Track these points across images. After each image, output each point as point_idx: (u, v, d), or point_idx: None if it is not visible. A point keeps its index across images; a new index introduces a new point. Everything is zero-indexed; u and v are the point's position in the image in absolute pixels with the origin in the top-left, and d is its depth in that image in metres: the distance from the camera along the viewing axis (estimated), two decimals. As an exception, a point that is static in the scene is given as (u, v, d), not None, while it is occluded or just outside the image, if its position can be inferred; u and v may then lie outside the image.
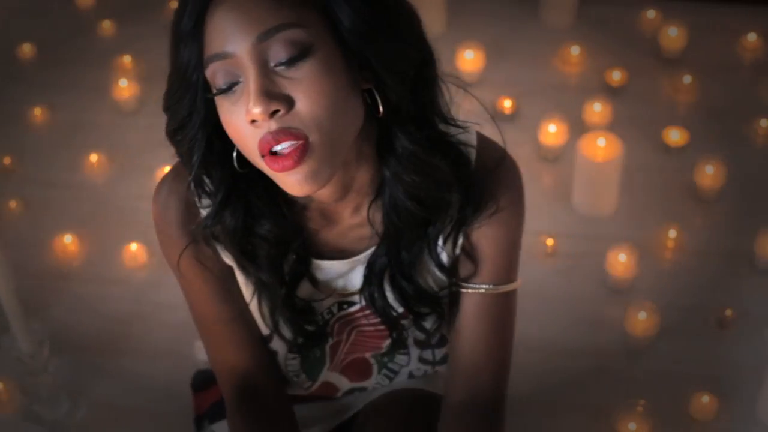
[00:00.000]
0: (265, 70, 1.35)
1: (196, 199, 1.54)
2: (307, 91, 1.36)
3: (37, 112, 3.15)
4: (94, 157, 2.97)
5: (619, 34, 3.34)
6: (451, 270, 1.65)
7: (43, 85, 3.29)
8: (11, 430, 2.46)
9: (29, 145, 3.11)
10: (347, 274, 1.66)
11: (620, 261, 2.62)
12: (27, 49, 3.34)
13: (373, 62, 1.41)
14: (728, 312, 2.58)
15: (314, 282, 1.65)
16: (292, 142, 1.37)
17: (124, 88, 3.10)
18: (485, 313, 1.69)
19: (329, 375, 1.82)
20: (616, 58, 3.23)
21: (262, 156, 1.38)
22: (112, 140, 3.06)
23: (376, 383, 1.87)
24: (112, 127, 3.10)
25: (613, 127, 2.98)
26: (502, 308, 1.71)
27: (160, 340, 2.53)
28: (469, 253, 1.65)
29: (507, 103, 3.06)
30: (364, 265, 1.64)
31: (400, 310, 1.67)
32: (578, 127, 2.96)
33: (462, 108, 1.60)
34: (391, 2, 1.42)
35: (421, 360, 1.84)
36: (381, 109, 1.45)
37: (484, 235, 1.63)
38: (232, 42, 1.34)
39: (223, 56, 1.35)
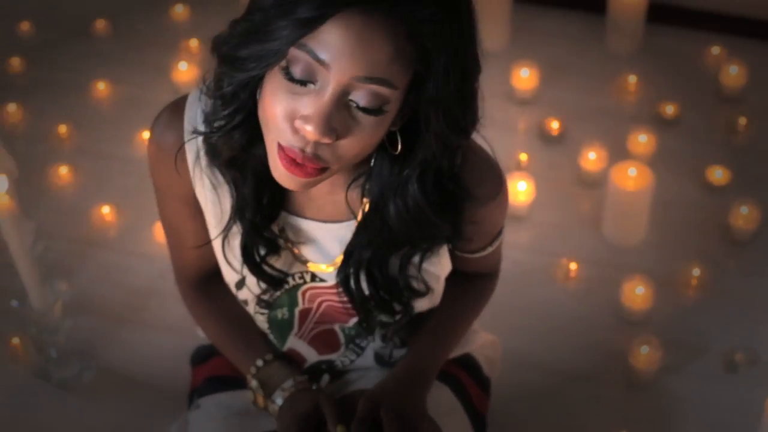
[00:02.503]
0: (341, 100, 1.40)
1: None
2: (357, 136, 1.43)
3: (100, 85, 3.24)
4: (145, 134, 3.06)
5: (681, 67, 3.31)
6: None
7: (109, 60, 3.39)
8: (22, 385, 2.56)
9: (87, 116, 3.21)
10: (319, 240, 1.72)
11: (636, 293, 2.62)
12: (101, 25, 3.44)
13: (431, 125, 1.47)
14: (738, 356, 2.56)
15: (282, 236, 1.71)
16: (313, 166, 1.45)
17: (184, 71, 3.19)
18: (482, 258, 1.83)
19: (297, 342, 1.89)
20: (672, 91, 3.22)
21: (280, 150, 1.44)
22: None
23: (343, 356, 1.91)
24: (167, 108, 3.18)
25: (656, 159, 2.97)
26: (497, 247, 1.85)
27: (174, 317, 2.61)
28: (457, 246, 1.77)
29: (554, 125, 3.07)
30: (339, 237, 1.71)
31: (369, 296, 1.73)
32: (621, 156, 2.96)
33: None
34: (476, 75, 1.48)
35: (384, 339, 1.90)
36: (399, 147, 1.53)
37: (467, 236, 1.72)
38: (337, 60, 1.36)
39: (319, 60, 1.37)
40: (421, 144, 1.50)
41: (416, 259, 1.70)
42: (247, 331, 1.88)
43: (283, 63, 1.39)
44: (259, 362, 1.82)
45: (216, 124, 1.55)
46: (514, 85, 3.17)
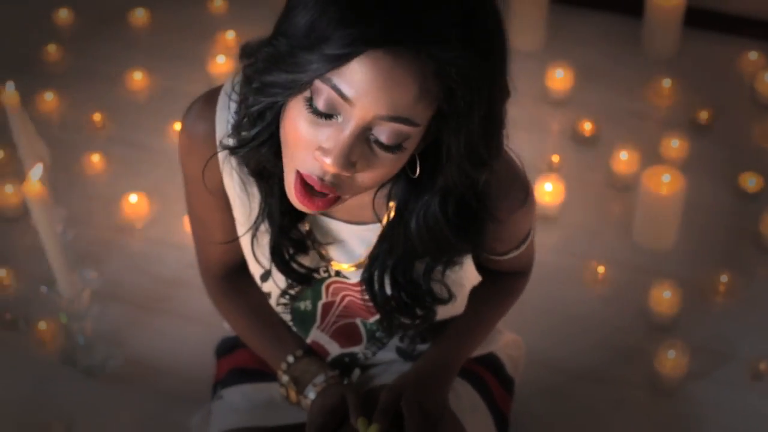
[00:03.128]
0: (362, 136, 1.40)
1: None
2: (376, 169, 1.44)
3: (136, 75, 3.26)
4: (178, 126, 3.07)
5: (716, 72, 3.29)
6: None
7: (146, 50, 3.40)
8: (48, 370, 2.58)
9: (121, 105, 3.22)
10: (346, 241, 1.73)
11: (663, 297, 2.61)
12: (139, 14, 3.45)
13: (453, 157, 1.47)
14: (765, 364, 2.54)
15: (309, 237, 1.72)
16: (328, 196, 1.45)
17: (221, 64, 3.20)
18: (512, 260, 1.83)
19: (319, 335, 1.90)
20: (707, 96, 3.20)
21: (300, 178, 1.45)
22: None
23: (365, 349, 1.92)
24: (201, 99, 3.19)
25: (688, 164, 2.96)
26: (528, 247, 1.84)
27: (201, 308, 2.60)
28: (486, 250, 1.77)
29: (587, 126, 3.06)
30: (364, 239, 1.71)
31: (392, 300, 1.73)
32: (653, 160, 2.95)
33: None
34: (502, 109, 1.48)
35: (403, 340, 1.91)
36: (417, 173, 1.53)
37: (494, 241, 1.73)
38: (362, 98, 1.36)
39: (343, 96, 1.37)
40: (441, 172, 1.50)
41: (439, 267, 1.71)
42: (275, 326, 1.89)
43: (307, 93, 1.39)
44: (290, 358, 1.84)
45: (243, 135, 1.55)
46: (549, 85, 3.16)
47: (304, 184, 1.45)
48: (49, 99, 3.18)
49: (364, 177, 1.44)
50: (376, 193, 1.64)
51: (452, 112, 1.41)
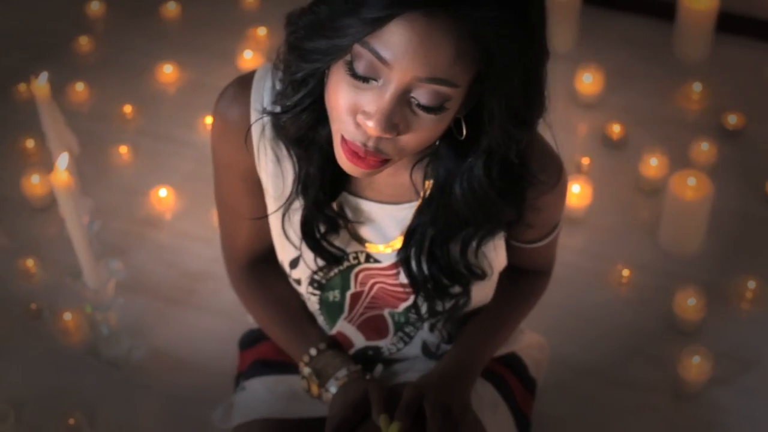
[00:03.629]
0: (402, 98, 1.41)
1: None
2: (419, 132, 1.44)
3: (166, 68, 3.27)
4: (208, 120, 3.09)
5: (747, 77, 3.28)
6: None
7: (177, 44, 3.42)
8: (72, 361, 2.59)
9: (151, 98, 3.24)
10: (378, 222, 1.73)
11: (688, 303, 2.59)
12: (171, 8, 3.47)
13: (495, 118, 1.47)
14: (788, 372, 2.54)
15: (342, 215, 1.73)
16: (375, 159, 1.47)
17: (248, 59, 3.20)
18: (535, 250, 1.84)
19: (346, 326, 1.90)
20: (738, 101, 3.18)
21: (343, 141, 1.47)
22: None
23: (390, 344, 1.92)
24: (231, 93, 3.20)
25: (717, 169, 2.95)
26: (554, 240, 1.85)
27: (226, 301, 2.62)
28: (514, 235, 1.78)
29: (616, 129, 3.05)
30: (398, 219, 1.72)
31: (430, 277, 1.73)
32: (681, 164, 2.94)
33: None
34: (542, 69, 1.48)
35: (432, 330, 1.91)
36: (464, 134, 1.53)
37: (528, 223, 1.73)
38: (399, 60, 1.37)
39: (381, 59, 1.38)
40: (485, 134, 1.51)
41: (474, 243, 1.70)
42: (298, 318, 1.89)
43: (348, 57, 1.41)
44: (313, 351, 1.84)
45: (286, 104, 1.57)
46: (578, 88, 3.15)
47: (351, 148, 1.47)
48: (79, 90, 3.21)
49: (407, 139, 1.45)
50: (412, 171, 1.65)
51: (492, 73, 1.41)
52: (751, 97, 3.22)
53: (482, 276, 1.76)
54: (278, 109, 1.58)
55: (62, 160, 2.20)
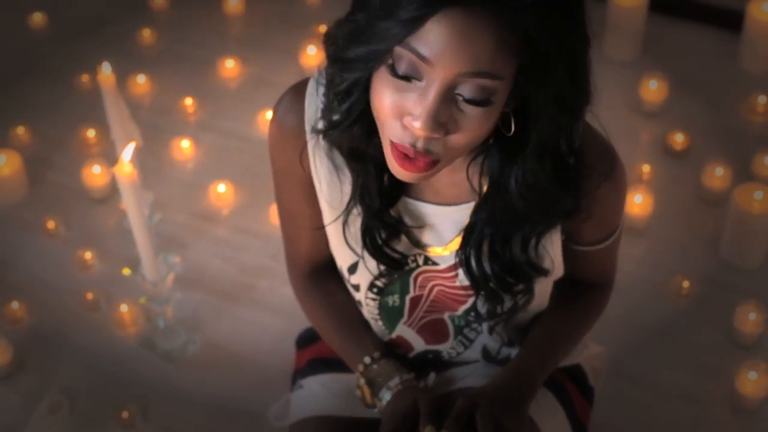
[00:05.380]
0: (447, 95, 1.40)
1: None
2: (467, 128, 1.43)
3: (228, 63, 3.27)
4: (268, 115, 3.08)
5: (815, 91, 3.25)
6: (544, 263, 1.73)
7: (239, 39, 3.42)
8: (127, 353, 2.60)
9: (213, 92, 3.24)
10: (436, 224, 1.72)
11: (749, 318, 2.57)
12: (235, 2, 3.46)
13: (543, 108, 1.46)
14: None
15: (401, 221, 1.72)
16: (426, 160, 1.45)
17: (312, 55, 3.20)
18: (594, 255, 1.80)
19: (405, 330, 1.89)
20: (803, 115, 3.15)
21: (392, 147, 1.46)
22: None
23: (450, 348, 1.91)
24: (290, 90, 3.21)
25: (780, 184, 2.92)
26: (613, 244, 1.81)
27: (283, 298, 2.62)
28: (566, 232, 1.74)
29: (679, 138, 3.03)
30: (456, 220, 1.70)
31: (492, 276, 1.71)
32: (744, 177, 2.91)
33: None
34: (586, 53, 1.46)
35: (491, 332, 1.89)
36: (512, 130, 1.51)
37: (582, 223, 1.70)
38: (440, 57, 1.37)
39: (422, 58, 1.38)
40: (534, 126, 1.49)
41: (534, 239, 1.68)
42: (355, 327, 1.88)
43: (389, 61, 1.40)
44: (367, 359, 1.82)
45: (334, 119, 1.56)
46: (642, 96, 3.12)
47: (401, 151, 1.46)
48: (141, 82, 3.21)
49: (457, 138, 1.44)
50: (468, 169, 1.63)
51: (534, 62, 1.40)
52: (816, 111, 3.18)
53: (546, 272, 1.74)
54: (325, 125, 1.57)
55: (128, 152, 2.20)
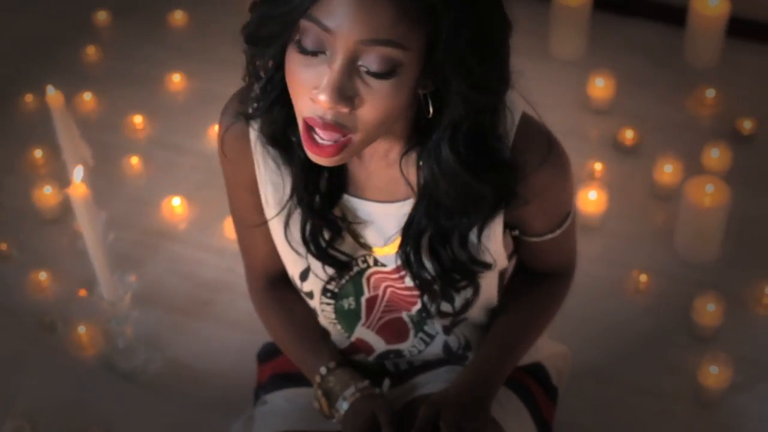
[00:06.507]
0: (350, 67, 1.40)
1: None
2: (375, 102, 1.42)
3: (174, 77, 3.25)
4: (217, 128, 3.06)
5: (759, 82, 3.27)
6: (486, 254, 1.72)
7: (185, 53, 3.40)
8: (88, 374, 2.57)
9: (161, 107, 3.23)
10: (378, 222, 1.71)
11: (707, 309, 2.58)
12: (179, 16, 3.45)
13: (452, 86, 1.45)
14: (807, 378, 2.53)
15: (344, 219, 1.71)
16: (336, 137, 1.44)
17: (259, 67, 3.18)
18: (549, 245, 1.79)
19: (365, 332, 1.88)
20: (751, 107, 3.17)
21: (305, 125, 1.45)
22: (238, 115, 3.15)
23: (411, 346, 1.90)
24: (241, 102, 3.20)
25: (731, 174, 2.93)
26: (567, 232, 1.80)
27: (242, 312, 2.61)
28: (517, 224, 1.74)
29: (629, 134, 3.04)
30: (398, 217, 1.69)
31: (434, 274, 1.71)
32: (695, 170, 2.93)
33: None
34: (498, 33, 1.45)
35: (447, 332, 1.88)
36: (431, 112, 1.50)
37: (529, 212, 1.70)
38: (340, 25, 1.37)
39: (324, 28, 1.38)
40: (446, 106, 1.48)
41: (474, 233, 1.67)
42: (312, 338, 1.88)
43: (297, 36, 1.40)
44: (323, 370, 1.82)
45: (255, 105, 1.57)
46: (590, 94, 3.14)
47: (310, 130, 1.45)
48: (87, 99, 3.19)
49: (365, 112, 1.43)
50: (400, 163, 1.62)
51: (439, 33, 1.39)
52: (763, 102, 3.21)
53: (488, 266, 1.73)
54: (250, 109, 1.59)
55: (78, 173, 2.18)
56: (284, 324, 1.89)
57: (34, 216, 2.90)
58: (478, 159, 1.55)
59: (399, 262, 1.73)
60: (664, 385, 2.54)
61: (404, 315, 1.85)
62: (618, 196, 2.93)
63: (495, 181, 1.58)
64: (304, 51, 1.40)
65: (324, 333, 1.89)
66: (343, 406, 1.78)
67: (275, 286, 1.90)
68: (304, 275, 1.81)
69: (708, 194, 2.69)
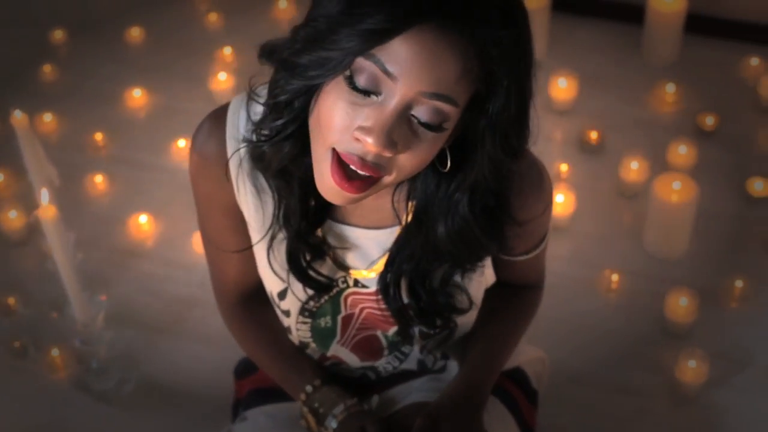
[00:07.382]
0: (403, 114, 1.37)
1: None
2: (418, 150, 1.40)
3: (135, 93, 3.23)
4: (181, 143, 3.05)
5: (719, 78, 3.30)
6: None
7: (144, 69, 3.38)
8: (62, 396, 2.54)
9: (122, 124, 3.20)
10: (361, 247, 1.70)
11: (680, 305, 2.59)
12: (135, 33, 3.43)
13: (485, 148, 1.44)
14: (782, 369, 2.54)
15: (326, 242, 1.69)
16: (369, 176, 1.42)
17: (222, 81, 3.17)
18: (525, 263, 1.80)
19: (339, 349, 1.86)
20: (711, 102, 3.20)
21: (337, 159, 1.41)
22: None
23: (386, 363, 1.89)
24: (203, 117, 3.16)
25: (696, 170, 2.95)
26: (543, 250, 1.82)
27: (215, 327, 2.57)
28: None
29: (593, 135, 3.05)
30: (381, 242, 1.68)
31: (408, 309, 1.71)
32: (661, 167, 2.95)
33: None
34: (530, 101, 1.45)
35: (422, 351, 1.88)
36: (448, 166, 1.50)
37: (510, 238, 1.67)
38: (406, 74, 1.34)
39: (387, 72, 1.34)
40: (473, 164, 1.48)
41: (458, 276, 1.68)
42: (292, 355, 1.86)
43: (347, 72, 1.37)
44: (309, 388, 1.81)
45: (265, 133, 1.52)
46: (552, 95, 3.15)
47: (341, 164, 1.42)
48: (47, 120, 3.16)
49: (405, 159, 1.41)
50: (394, 194, 1.61)
51: (490, 97, 1.39)
52: (723, 97, 3.24)
53: (465, 309, 1.74)
54: (260, 137, 1.54)
55: (44, 196, 2.16)
56: (261, 341, 1.87)
57: (-1, 240, 2.88)
58: (488, 219, 1.57)
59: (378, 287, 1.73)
60: (641, 382, 2.55)
61: (379, 333, 1.84)
62: (585, 197, 2.93)
63: (501, 236, 1.61)
64: (355, 88, 1.37)
65: (301, 349, 1.88)
66: (332, 423, 1.77)
67: (247, 301, 1.87)
68: (283, 294, 1.79)
69: (675, 191, 2.70)
